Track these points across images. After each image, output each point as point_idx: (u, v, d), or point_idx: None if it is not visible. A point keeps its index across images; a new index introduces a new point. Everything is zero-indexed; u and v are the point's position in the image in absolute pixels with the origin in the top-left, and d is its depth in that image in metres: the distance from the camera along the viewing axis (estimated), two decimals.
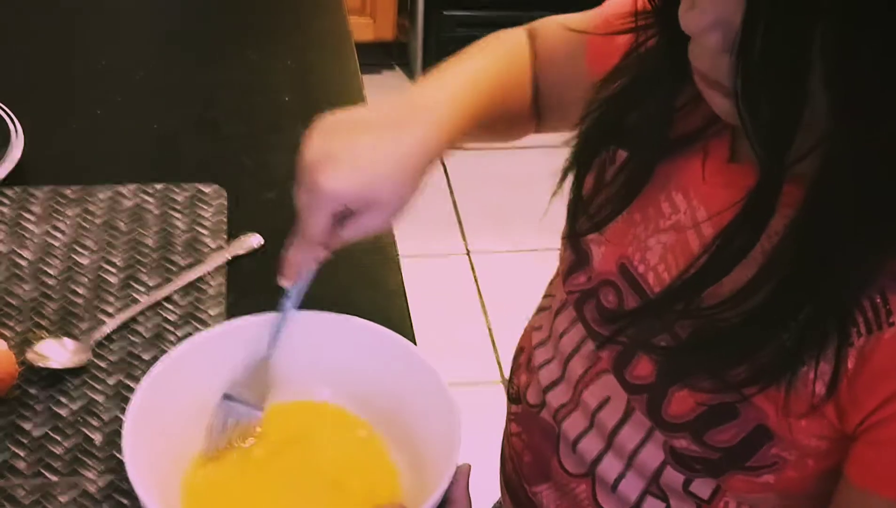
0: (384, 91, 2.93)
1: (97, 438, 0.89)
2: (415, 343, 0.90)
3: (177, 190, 1.13)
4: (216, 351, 0.84)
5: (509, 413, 0.92)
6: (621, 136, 0.78)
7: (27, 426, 0.89)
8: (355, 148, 0.77)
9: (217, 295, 1.01)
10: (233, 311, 1.00)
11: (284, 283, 0.83)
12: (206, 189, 1.13)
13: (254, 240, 1.07)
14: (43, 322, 0.98)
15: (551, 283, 0.91)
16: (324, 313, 0.86)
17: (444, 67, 0.86)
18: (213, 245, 1.07)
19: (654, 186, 0.76)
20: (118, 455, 0.87)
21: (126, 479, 0.84)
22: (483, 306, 2.39)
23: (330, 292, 1.02)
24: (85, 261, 1.04)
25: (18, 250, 1.05)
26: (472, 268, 2.49)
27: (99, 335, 0.96)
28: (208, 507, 0.80)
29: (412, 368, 0.83)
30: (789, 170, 0.59)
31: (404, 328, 0.98)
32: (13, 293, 1.00)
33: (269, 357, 0.84)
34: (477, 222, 2.60)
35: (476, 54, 0.90)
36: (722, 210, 0.69)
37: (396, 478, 0.82)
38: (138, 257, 1.05)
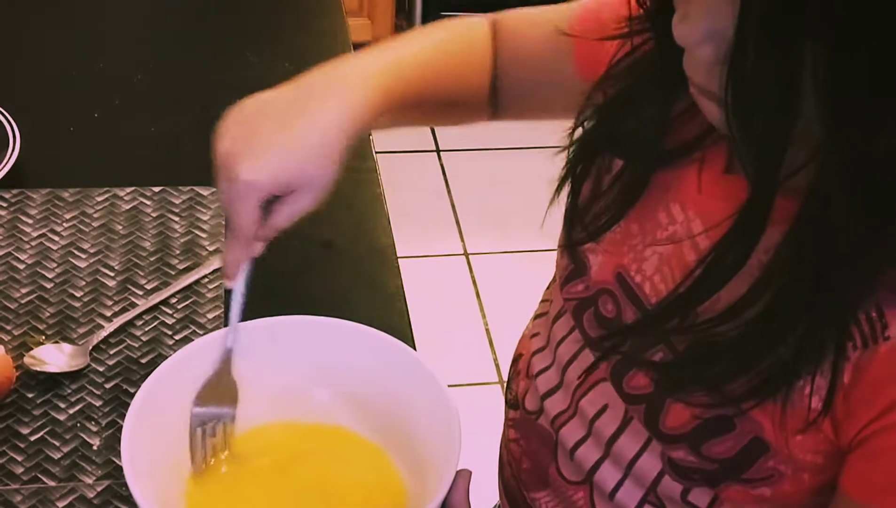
0: None
1: (95, 443, 0.88)
2: (413, 346, 0.90)
3: (175, 193, 1.13)
4: (215, 356, 0.84)
5: (507, 419, 0.92)
6: (617, 144, 0.77)
7: (24, 430, 0.89)
8: (270, 134, 0.76)
9: (215, 299, 1.01)
10: (229, 314, 0.99)
11: (228, 284, 0.82)
12: (205, 192, 1.13)
13: None
14: (40, 326, 0.98)
15: (548, 288, 0.90)
16: (323, 318, 0.86)
17: (373, 47, 0.85)
18: (211, 248, 1.07)
19: (651, 196, 0.75)
20: (116, 461, 0.87)
21: (124, 484, 0.84)
22: (481, 307, 2.39)
23: (329, 296, 1.02)
24: (82, 264, 1.04)
25: (15, 254, 1.05)
26: (471, 269, 2.49)
27: (96, 338, 0.96)
28: None
29: (412, 373, 0.83)
30: (782, 184, 0.58)
31: (403, 331, 0.98)
32: (10, 297, 1.00)
33: (229, 358, 0.83)
34: (475, 224, 2.60)
35: (414, 38, 0.88)
36: (718, 222, 0.68)
37: (401, 485, 0.82)
38: (136, 261, 1.05)
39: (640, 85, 0.74)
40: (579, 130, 0.80)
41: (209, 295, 1.01)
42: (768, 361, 0.64)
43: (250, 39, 1.42)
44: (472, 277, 2.47)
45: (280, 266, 1.07)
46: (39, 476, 0.86)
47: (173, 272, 1.04)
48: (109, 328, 0.97)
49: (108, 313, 0.99)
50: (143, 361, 0.95)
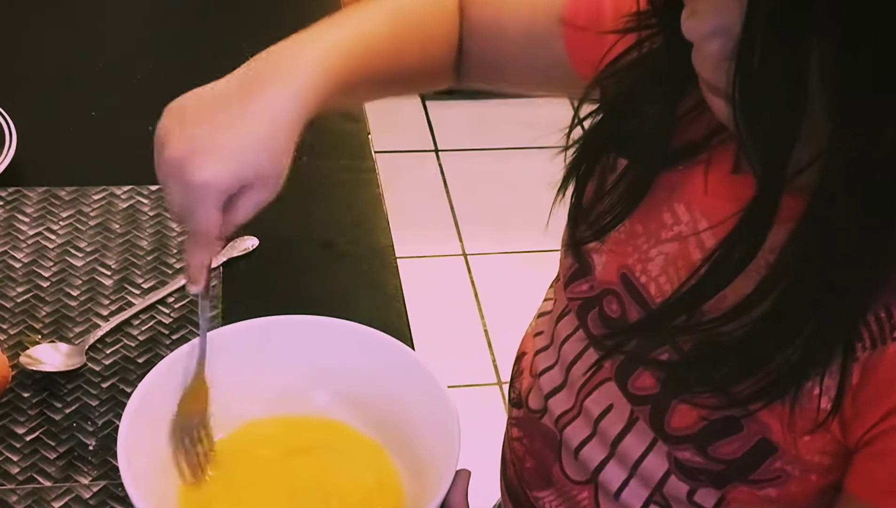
0: None
1: (91, 443, 0.88)
2: (412, 347, 0.90)
3: None
4: (212, 356, 0.83)
5: (510, 418, 0.91)
6: (622, 143, 0.77)
7: (20, 430, 0.88)
8: (218, 131, 0.74)
9: (212, 298, 1.01)
10: (228, 314, 0.99)
11: (194, 289, 0.80)
12: None
13: (249, 242, 1.07)
14: (36, 325, 0.97)
15: (552, 286, 0.90)
16: (322, 317, 0.86)
17: (322, 22, 0.83)
18: None
19: (656, 196, 0.75)
20: (112, 461, 0.86)
21: (120, 485, 0.83)
22: (480, 308, 2.39)
23: (328, 296, 1.02)
24: (79, 263, 1.04)
25: (11, 252, 1.04)
26: (469, 270, 2.49)
27: (93, 338, 0.95)
28: None
29: (411, 373, 0.82)
30: (789, 182, 0.58)
31: (402, 332, 0.98)
32: (6, 296, 0.99)
33: (201, 362, 0.82)
34: (474, 225, 2.60)
35: (367, 10, 0.86)
36: (724, 222, 0.68)
37: (399, 483, 0.82)
38: (133, 260, 1.04)
39: (646, 83, 0.74)
40: (577, 128, 0.79)
41: None
42: (776, 362, 0.64)
43: (249, 39, 1.40)
44: (471, 277, 2.47)
45: (279, 266, 1.07)
46: (35, 476, 0.85)
47: (170, 272, 1.03)
48: (106, 327, 0.96)
49: (105, 313, 0.99)
50: (140, 360, 0.94)
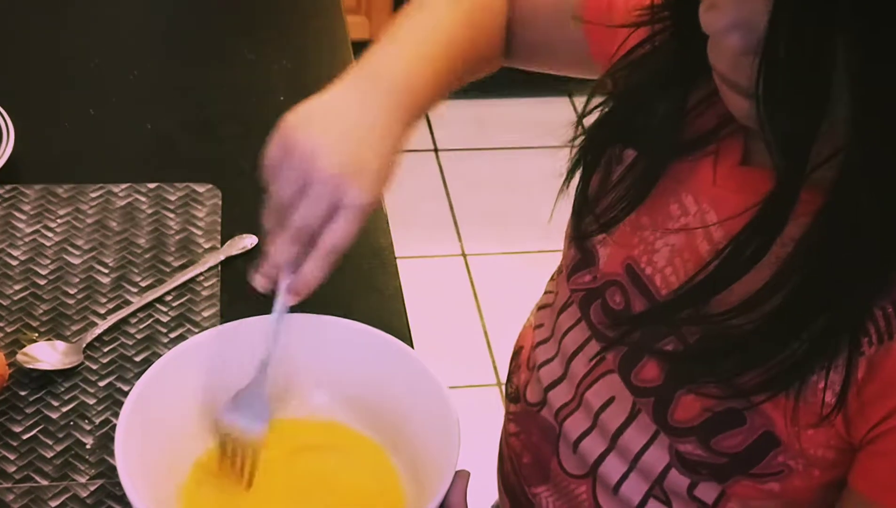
0: None
1: (88, 441, 0.87)
2: (412, 347, 0.89)
3: (170, 190, 1.12)
4: (210, 354, 0.83)
5: (507, 413, 0.91)
6: (630, 135, 0.77)
7: (17, 428, 0.88)
8: (368, 155, 0.75)
9: (210, 296, 1.00)
10: (226, 313, 0.99)
11: (292, 302, 0.79)
12: (200, 189, 1.12)
13: (248, 241, 1.06)
14: (33, 323, 0.96)
15: (552, 279, 0.90)
16: (322, 316, 0.85)
17: (405, 24, 0.84)
18: (206, 246, 1.06)
19: (663, 188, 0.75)
20: (109, 459, 0.86)
21: (117, 484, 0.83)
22: (479, 308, 2.38)
23: (328, 296, 1.01)
24: (76, 261, 1.03)
25: (8, 250, 1.03)
26: (468, 270, 2.48)
27: (90, 336, 0.95)
28: None
29: (412, 373, 0.82)
30: (807, 177, 0.58)
31: (402, 332, 0.97)
32: (3, 294, 0.99)
33: (267, 367, 0.82)
34: (473, 225, 2.59)
35: (435, 15, 0.86)
36: (733, 215, 0.68)
37: (399, 483, 0.81)
38: (130, 258, 1.04)
39: (657, 75, 0.74)
40: (586, 119, 0.79)
41: (204, 293, 1.00)
42: (782, 355, 0.63)
43: (248, 37, 1.41)
44: (470, 278, 2.46)
45: None
46: (32, 474, 0.84)
47: (168, 270, 1.03)
48: (103, 325, 0.96)
49: (102, 311, 0.98)
50: (138, 359, 0.94)
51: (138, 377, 0.80)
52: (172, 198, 1.11)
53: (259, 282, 0.78)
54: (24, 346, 0.93)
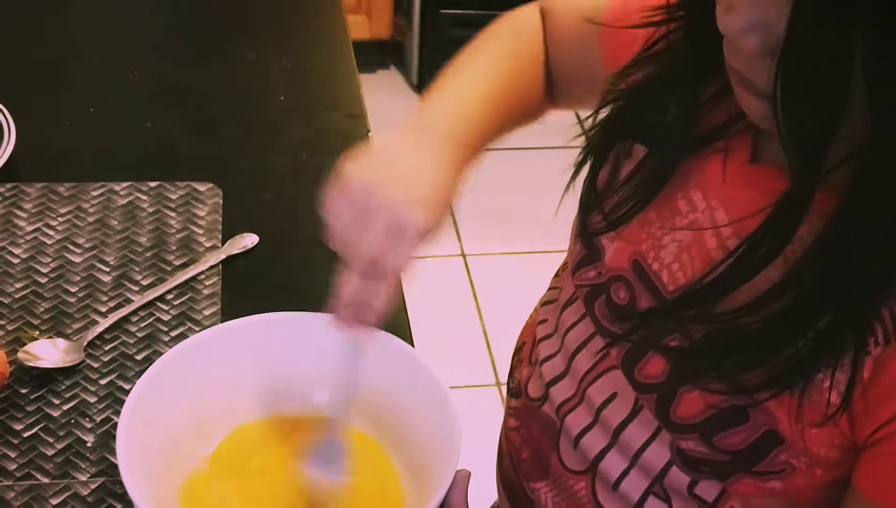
0: (379, 91, 2.92)
1: (89, 439, 0.87)
2: (413, 346, 0.89)
3: (171, 188, 1.12)
4: (211, 353, 0.83)
5: (508, 408, 0.91)
6: (641, 131, 0.77)
7: (17, 426, 0.88)
8: (426, 180, 0.76)
9: (211, 295, 1.00)
10: (227, 311, 0.99)
11: (364, 335, 0.78)
12: (201, 188, 1.12)
13: (249, 240, 1.06)
14: (34, 321, 0.97)
15: (557, 275, 0.90)
16: (322, 314, 0.85)
17: (451, 76, 0.85)
18: (207, 244, 1.06)
19: (671, 184, 0.75)
20: (110, 458, 0.86)
21: (118, 482, 0.83)
22: (478, 308, 2.38)
23: (328, 294, 1.01)
24: (77, 259, 1.03)
25: (10, 248, 1.03)
26: (468, 271, 2.48)
27: (91, 334, 0.95)
28: None
29: (413, 372, 0.82)
30: (822, 178, 0.58)
31: (403, 332, 0.97)
32: (4, 292, 0.99)
33: (345, 412, 0.81)
34: (472, 225, 2.59)
35: (483, 52, 0.88)
36: (742, 212, 0.68)
37: (398, 482, 0.81)
38: (131, 256, 1.04)
39: (669, 72, 0.74)
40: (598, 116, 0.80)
41: (205, 292, 1.00)
42: (787, 353, 0.64)
43: (248, 36, 1.42)
44: (470, 278, 2.46)
45: (279, 264, 1.06)
46: (33, 472, 0.85)
47: (169, 268, 1.03)
48: (104, 323, 0.96)
49: (103, 309, 0.98)
50: (139, 357, 0.94)
51: (139, 376, 0.80)
52: (173, 197, 1.11)
53: (339, 325, 0.77)
54: (26, 344, 0.93)
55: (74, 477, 0.84)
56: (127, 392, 0.89)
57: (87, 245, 1.05)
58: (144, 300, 0.99)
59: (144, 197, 1.11)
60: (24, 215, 1.07)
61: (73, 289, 1.00)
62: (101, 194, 1.10)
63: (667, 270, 0.74)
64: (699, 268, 0.71)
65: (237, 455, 0.83)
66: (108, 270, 1.02)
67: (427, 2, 2.86)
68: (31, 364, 0.91)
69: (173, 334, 0.96)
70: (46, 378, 0.91)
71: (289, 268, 1.06)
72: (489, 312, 2.37)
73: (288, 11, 1.49)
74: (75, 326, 0.96)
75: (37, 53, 1.34)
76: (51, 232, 1.06)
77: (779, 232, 0.62)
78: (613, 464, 0.78)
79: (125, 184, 1.12)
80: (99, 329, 0.95)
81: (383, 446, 0.84)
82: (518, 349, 0.92)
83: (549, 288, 0.90)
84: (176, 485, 0.79)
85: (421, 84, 3.00)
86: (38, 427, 0.88)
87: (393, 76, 3.08)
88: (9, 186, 1.10)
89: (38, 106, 1.24)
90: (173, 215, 1.09)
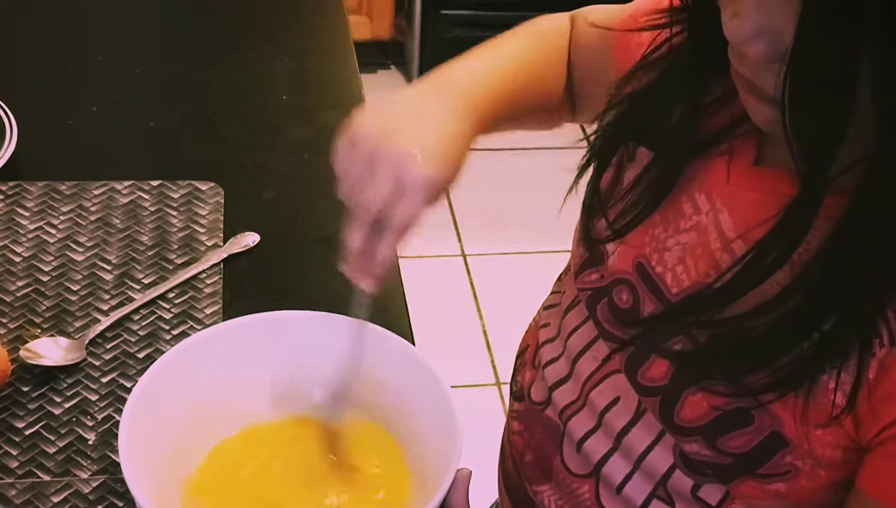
0: (380, 91, 2.93)
1: (90, 437, 0.87)
2: (414, 345, 0.89)
3: (173, 187, 1.12)
4: (213, 352, 0.83)
5: (511, 411, 0.91)
6: (645, 134, 0.77)
7: (19, 424, 0.88)
8: (436, 133, 0.75)
9: (213, 294, 1.00)
10: (228, 310, 0.99)
11: (370, 287, 0.78)
12: (203, 187, 1.12)
13: (250, 239, 1.07)
14: (36, 319, 0.97)
15: (560, 279, 0.90)
16: (323, 313, 0.85)
17: (475, 51, 0.85)
18: (209, 243, 1.06)
19: (675, 187, 0.75)
20: (111, 455, 0.86)
21: (119, 480, 0.83)
22: (478, 308, 2.39)
23: (329, 292, 1.02)
24: (79, 258, 1.03)
25: (12, 246, 1.04)
26: (468, 271, 2.48)
27: (93, 332, 0.95)
28: None
29: (414, 371, 0.82)
30: (831, 183, 0.58)
31: (404, 331, 0.98)
32: (6, 290, 0.99)
33: (357, 361, 0.82)
34: (473, 225, 2.60)
35: (510, 39, 0.89)
36: (747, 214, 0.68)
37: (403, 458, 0.82)
38: (133, 255, 1.04)
39: (673, 75, 0.74)
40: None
41: (207, 290, 1.01)
42: (792, 354, 0.64)
43: (250, 35, 1.42)
44: (470, 278, 2.47)
45: (280, 262, 1.07)
46: (34, 470, 0.85)
47: (171, 267, 1.03)
48: (106, 322, 0.96)
49: (105, 308, 0.98)
50: (140, 356, 0.94)
51: (140, 374, 0.81)
52: (175, 195, 1.11)
53: (348, 271, 0.78)
54: (27, 342, 0.93)
55: (76, 475, 0.85)
56: (128, 390, 0.89)
57: (88, 244, 1.05)
58: (146, 299, 0.99)
59: (146, 196, 1.11)
60: (26, 213, 1.07)
61: (75, 287, 1.00)
62: (103, 193, 1.11)
63: (671, 272, 0.74)
64: (703, 270, 0.71)
65: (238, 453, 0.83)
66: (109, 268, 1.02)
67: (428, 2, 2.86)
68: (33, 362, 0.91)
69: (174, 332, 0.96)
70: (48, 376, 0.92)
71: (290, 267, 1.07)
72: (489, 312, 2.38)
73: (290, 11, 1.49)
74: (77, 324, 0.97)
75: (39, 52, 1.34)
76: (53, 230, 1.06)
77: (787, 238, 0.62)
78: (617, 468, 0.78)
79: (127, 183, 1.12)
80: (100, 328, 0.96)
81: (390, 443, 0.84)
82: (521, 353, 0.92)
83: (552, 292, 0.90)
84: (177, 483, 0.79)
85: None
86: (40, 425, 0.88)
87: (394, 76, 3.08)
88: (11, 184, 1.10)
89: (41, 104, 1.24)
90: (175, 213, 1.09)
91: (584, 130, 0.82)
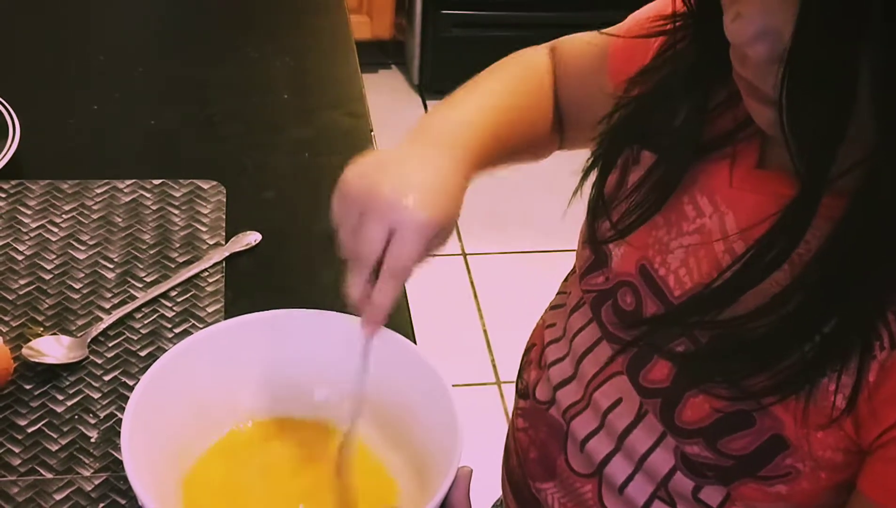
0: (381, 90, 2.93)
1: (93, 435, 0.88)
2: (415, 343, 0.90)
3: (175, 186, 1.12)
4: (215, 350, 0.83)
5: (516, 408, 0.91)
6: (649, 136, 0.77)
7: (22, 422, 0.88)
8: (425, 175, 0.76)
9: (215, 292, 1.01)
10: (230, 309, 0.99)
11: (373, 330, 0.78)
12: (205, 186, 1.12)
13: (252, 237, 1.07)
14: (38, 318, 0.97)
15: (566, 280, 0.90)
16: (325, 312, 0.86)
17: (457, 94, 0.86)
18: (210, 242, 1.06)
19: (678, 189, 0.75)
20: (114, 453, 0.86)
21: (122, 477, 0.84)
22: (479, 308, 2.39)
23: (331, 291, 1.02)
24: (81, 256, 1.04)
25: (14, 245, 1.04)
26: (469, 270, 2.49)
27: (95, 331, 0.95)
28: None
29: (415, 369, 0.82)
30: (830, 184, 0.58)
31: (405, 329, 0.98)
32: (8, 288, 0.99)
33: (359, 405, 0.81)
34: (473, 224, 2.60)
35: (490, 77, 0.90)
36: (750, 216, 0.69)
37: (393, 484, 0.82)
38: (135, 253, 1.04)
39: (677, 79, 0.74)
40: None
41: (209, 289, 1.01)
42: (793, 357, 0.64)
43: (251, 35, 1.42)
44: (470, 277, 2.47)
45: (282, 261, 1.07)
46: (37, 467, 0.85)
47: (173, 265, 1.03)
48: (108, 320, 0.96)
49: (107, 306, 0.99)
50: (142, 354, 0.94)
51: (143, 372, 0.81)
52: (177, 194, 1.11)
53: (367, 330, 0.78)
54: (30, 340, 0.94)
55: (78, 473, 0.85)
56: (131, 389, 0.89)
57: (91, 242, 1.05)
58: (148, 297, 0.99)
59: (148, 194, 1.11)
60: (28, 211, 1.08)
61: (77, 286, 1.00)
62: (105, 192, 1.11)
63: (673, 275, 0.74)
64: (706, 272, 0.71)
65: (240, 451, 0.83)
66: (111, 267, 1.03)
67: (428, 2, 2.86)
68: (35, 360, 0.92)
69: (177, 330, 0.97)
70: (50, 374, 0.92)
71: (291, 266, 1.07)
72: (490, 311, 2.38)
73: (290, 10, 1.49)
74: (79, 322, 0.97)
75: (41, 51, 1.35)
76: (55, 229, 1.06)
77: (786, 237, 0.62)
78: (619, 468, 0.78)
79: (129, 181, 1.12)
80: (103, 326, 0.96)
81: (385, 444, 0.84)
82: (527, 351, 0.93)
83: (558, 292, 0.90)
84: (179, 481, 0.80)
85: (422, 84, 3.00)
86: (42, 423, 0.88)
87: (394, 76, 3.08)
88: (13, 182, 1.11)
89: (43, 103, 1.24)
90: (177, 212, 1.09)
91: (602, 127, 0.82)
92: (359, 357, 0.79)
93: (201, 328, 0.94)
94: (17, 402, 0.90)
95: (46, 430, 0.88)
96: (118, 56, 1.36)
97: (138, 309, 0.98)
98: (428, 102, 2.94)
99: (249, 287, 1.03)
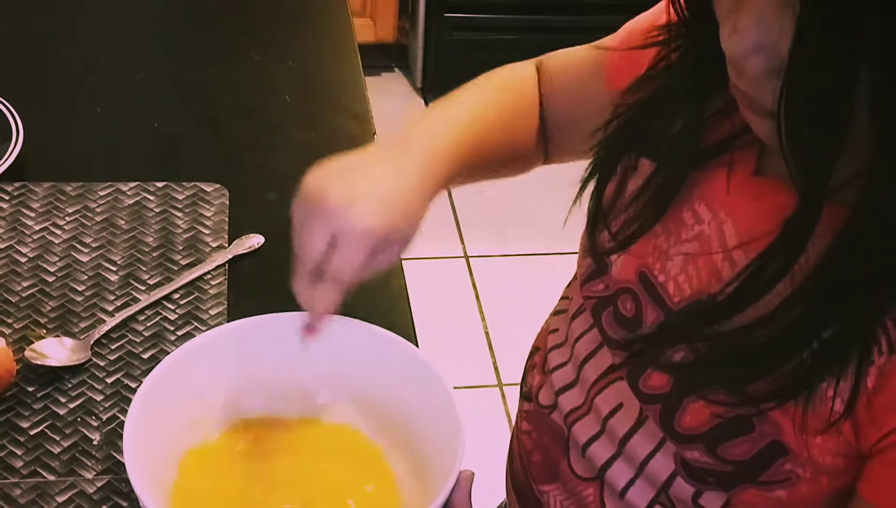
0: (384, 93, 2.93)
1: (95, 437, 0.88)
2: (417, 346, 0.90)
3: (178, 188, 1.12)
4: (217, 353, 0.83)
5: (520, 411, 0.92)
6: (647, 144, 0.77)
7: (24, 424, 0.88)
8: (375, 184, 0.76)
9: (217, 295, 1.01)
10: (233, 311, 0.99)
11: (312, 336, 0.82)
12: (208, 188, 1.13)
13: (254, 240, 1.07)
14: (41, 320, 0.97)
15: (569, 285, 0.91)
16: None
17: (437, 104, 0.87)
18: (213, 244, 1.06)
19: (676, 198, 0.75)
20: (116, 455, 0.86)
21: (124, 480, 0.84)
22: (481, 310, 2.39)
23: None
24: (84, 259, 1.04)
25: (17, 247, 1.04)
26: (471, 272, 2.49)
27: (98, 333, 0.95)
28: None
29: (417, 372, 0.82)
30: (830, 196, 0.58)
31: (407, 332, 0.98)
32: (11, 290, 1.00)
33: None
34: (475, 227, 2.60)
35: (472, 90, 0.90)
36: (749, 223, 0.69)
37: (395, 486, 0.82)
38: (138, 256, 1.05)
39: (675, 86, 0.74)
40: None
41: (211, 291, 1.01)
42: (792, 363, 0.64)
43: (255, 37, 1.42)
44: (472, 280, 2.47)
45: (284, 264, 1.07)
46: (39, 470, 0.85)
47: (175, 268, 1.03)
48: (111, 322, 0.97)
49: (110, 308, 0.99)
50: (145, 356, 0.95)
51: (145, 374, 0.81)
52: (180, 197, 1.11)
53: (307, 335, 0.82)
54: (32, 342, 0.94)
55: (80, 475, 0.85)
56: (133, 391, 0.90)
57: (94, 245, 1.05)
58: (151, 300, 0.99)
59: (151, 197, 1.11)
60: (31, 214, 1.08)
61: (80, 288, 1.01)
62: (109, 194, 1.11)
63: (673, 281, 0.74)
64: (705, 279, 0.71)
65: (241, 454, 0.83)
66: (114, 269, 1.03)
67: (431, 5, 2.87)
68: (38, 363, 0.92)
69: (179, 333, 0.97)
70: (53, 377, 0.92)
71: (294, 269, 1.07)
72: (491, 313, 2.38)
73: (294, 13, 1.49)
74: (82, 325, 0.97)
75: (44, 53, 1.35)
76: (58, 231, 1.06)
77: (786, 251, 0.62)
78: (620, 473, 0.78)
79: (132, 184, 1.13)
80: (105, 328, 0.96)
81: (386, 446, 0.84)
82: (531, 354, 0.93)
83: (561, 297, 0.91)
84: (181, 483, 0.79)
85: (425, 87, 3.00)
86: (45, 425, 0.88)
87: (397, 79, 3.09)
88: (17, 185, 1.11)
89: (46, 105, 1.24)
90: (180, 215, 1.09)
91: (601, 135, 0.82)
92: (350, 358, 0.81)
93: (204, 331, 0.95)
94: (20, 404, 0.90)
95: (49, 432, 0.88)
96: (121, 58, 1.36)
97: (141, 312, 0.98)
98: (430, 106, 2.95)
99: (252, 290, 1.03)
